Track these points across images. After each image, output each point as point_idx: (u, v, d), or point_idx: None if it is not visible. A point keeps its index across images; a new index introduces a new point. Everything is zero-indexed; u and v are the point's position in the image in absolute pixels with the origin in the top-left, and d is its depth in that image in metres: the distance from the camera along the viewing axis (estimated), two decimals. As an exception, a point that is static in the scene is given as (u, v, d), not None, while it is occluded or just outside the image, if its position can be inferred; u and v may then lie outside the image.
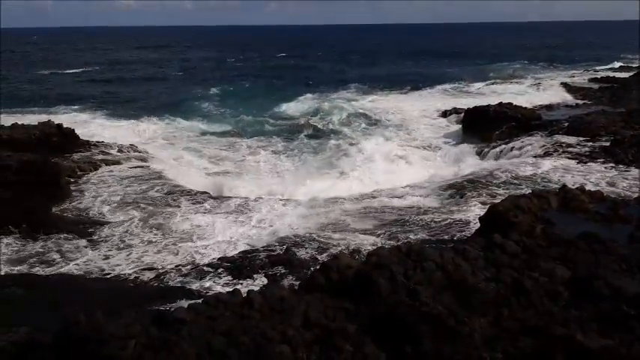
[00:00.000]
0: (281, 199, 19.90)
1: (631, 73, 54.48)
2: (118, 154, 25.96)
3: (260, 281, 13.10)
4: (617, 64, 69.13)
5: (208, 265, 14.29)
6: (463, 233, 15.32)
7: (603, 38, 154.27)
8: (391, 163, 25.22)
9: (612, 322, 7.67)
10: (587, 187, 14.44)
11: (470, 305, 8.34)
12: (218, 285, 13.13)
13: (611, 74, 54.06)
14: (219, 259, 14.67)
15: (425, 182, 22.14)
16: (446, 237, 15.41)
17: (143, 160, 25.39)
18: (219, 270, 13.86)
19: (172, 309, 9.76)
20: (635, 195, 16.13)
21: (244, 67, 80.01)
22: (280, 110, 42.50)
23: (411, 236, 15.67)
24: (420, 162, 26.90)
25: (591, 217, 12.08)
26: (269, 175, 23.48)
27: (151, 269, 14.33)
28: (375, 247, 13.07)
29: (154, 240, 16.23)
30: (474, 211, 16.98)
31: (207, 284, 13.20)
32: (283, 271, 13.60)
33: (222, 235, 16.48)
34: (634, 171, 20.91)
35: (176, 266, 14.44)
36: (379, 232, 16.38)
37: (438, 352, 7.26)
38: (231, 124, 37.45)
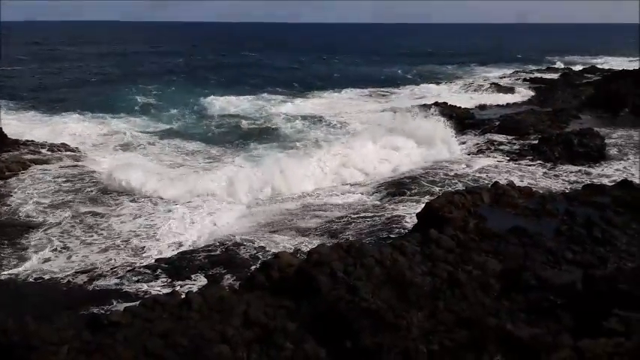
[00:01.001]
0: (222, 199, 19.61)
1: (557, 74, 57.42)
2: (49, 153, 24.78)
3: (199, 282, 12.89)
4: (544, 66, 72.59)
5: (145, 266, 13.91)
6: (401, 229, 15.65)
7: (533, 40, 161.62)
8: (339, 162, 25.36)
9: (540, 312, 8.08)
10: (517, 184, 15.07)
11: (407, 299, 8.56)
12: (156, 287, 12.81)
13: (539, 75, 56.71)
14: (156, 260, 14.31)
15: (365, 180, 22.44)
16: (385, 233, 15.68)
17: (76, 159, 24.38)
18: (157, 271, 13.52)
19: (108, 312, 9.47)
20: (562, 190, 17.03)
21: (186, 65, 78.19)
22: (215, 108, 41.79)
23: (351, 233, 15.85)
24: (364, 161, 27.19)
25: (521, 212, 12.64)
26: (208, 175, 23.06)
27: (85, 272, 13.80)
28: (316, 245, 13.18)
29: (88, 241, 15.65)
30: (411, 208, 17.38)
31: (145, 286, 12.85)
32: (223, 271, 13.43)
33: (160, 236, 16.09)
34: (560, 167, 22.09)
35: (112, 268, 13.98)
36: (320, 230, 16.48)
37: (377, 346, 7.40)
38: (169, 122, 36.56)
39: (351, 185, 21.65)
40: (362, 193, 20.28)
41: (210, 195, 19.61)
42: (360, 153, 24.73)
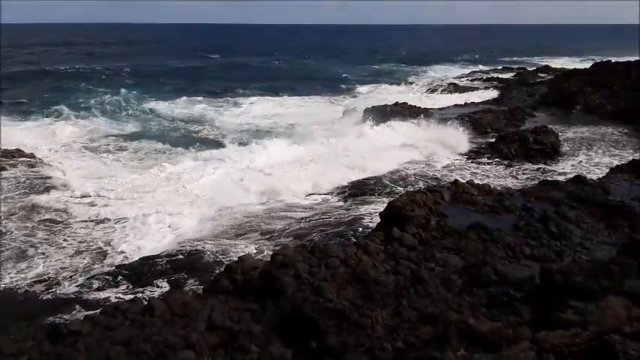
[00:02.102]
0: (183, 204, 19.31)
1: (512, 74, 58.96)
2: (2, 159, 23.92)
3: (162, 288, 12.68)
4: (500, 66, 74.39)
5: (106, 273, 13.59)
6: (365, 229, 15.77)
7: (489, 40, 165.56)
8: (300, 164, 25.33)
9: (500, 306, 8.28)
10: (475, 181, 15.40)
11: (372, 298, 8.64)
12: (117, 293, 12.54)
13: (496, 75, 58.11)
14: (117, 266, 14.01)
15: (329, 181, 22.46)
16: (349, 233, 15.77)
17: (31, 165, 23.59)
18: (118, 278, 13.24)
19: (67, 321, 9.22)
20: (518, 186, 17.49)
21: (141, 67, 76.76)
22: (169, 112, 41.27)
23: (316, 234, 15.87)
24: (326, 163, 27.28)
25: (480, 209, 12.92)
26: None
27: (42, 280, 13.38)
28: (280, 247, 13.14)
29: (45, 250, 15.17)
30: (375, 208, 17.53)
31: (105, 294, 12.57)
32: (186, 276, 13.25)
33: (120, 242, 15.74)
34: (517, 165, 22.69)
35: (71, 276, 13.61)
36: (285, 231, 16.45)
37: (342, 345, 7.44)
38: (120, 126, 35.85)
39: (315, 186, 21.65)
40: (326, 194, 20.33)
41: (171, 200, 19.28)
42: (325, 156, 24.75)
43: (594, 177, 16.03)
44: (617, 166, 17.29)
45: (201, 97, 48.03)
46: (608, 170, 17.35)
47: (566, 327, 6.68)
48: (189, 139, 32.88)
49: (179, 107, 43.13)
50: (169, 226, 17.03)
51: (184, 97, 47.17)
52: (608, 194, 13.44)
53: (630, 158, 18.77)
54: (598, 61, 47.71)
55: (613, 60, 46.24)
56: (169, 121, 38.38)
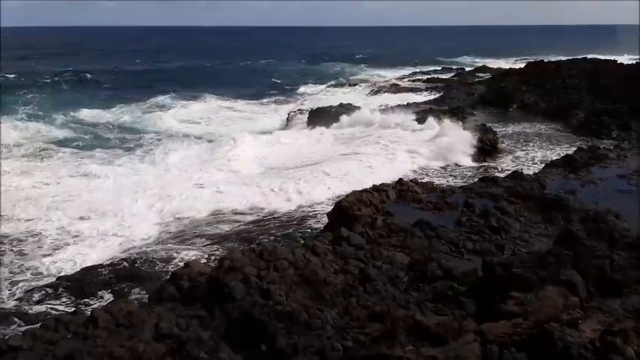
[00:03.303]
0: (125, 211, 18.75)
1: (452, 74, 60.70)
2: None
3: (105, 298, 12.28)
4: (440, 66, 76.39)
5: (46, 285, 13.04)
6: (313, 230, 15.83)
7: (429, 42, 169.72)
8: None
9: (446, 300, 8.49)
10: (419, 180, 15.74)
11: (321, 298, 8.67)
12: (58, 306, 12.06)
13: (436, 75, 59.63)
14: (57, 278, 13.45)
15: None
16: (298, 234, 15.79)
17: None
18: (59, 290, 12.71)
19: (6, 336, 8.78)
20: (460, 184, 18.01)
21: (76, 71, 74.03)
22: (99, 119, 40.08)
23: (264, 237, 15.78)
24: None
25: (424, 206, 13.22)
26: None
27: (-24, 296, 12.71)
28: (227, 251, 12.98)
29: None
30: (323, 208, 17.62)
31: (46, 307, 12.05)
32: (130, 285, 12.88)
33: (60, 253, 15.14)
34: (457, 162, 23.36)
35: (9, 289, 12.99)
36: (233, 235, 16.27)
37: (292, 347, 7.43)
38: (49, 132, 34.47)
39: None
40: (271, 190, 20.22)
41: (112, 207, 18.68)
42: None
43: (531, 172, 16.73)
44: (552, 161, 18.12)
45: (136, 103, 46.75)
46: (543, 165, 18.14)
47: (508, 317, 6.92)
48: (120, 144, 32.03)
49: (110, 113, 41.76)
50: (114, 234, 16.53)
51: (117, 103, 45.73)
52: (544, 188, 14.04)
53: (563, 153, 19.66)
54: (532, 60, 49.86)
55: (545, 60, 48.45)
56: (98, 127, 37.28)
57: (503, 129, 29.02)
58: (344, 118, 31.66)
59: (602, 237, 9.93)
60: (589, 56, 51.03)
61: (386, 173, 20.57)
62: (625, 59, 55.41)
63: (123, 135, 35.11)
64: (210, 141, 29.71)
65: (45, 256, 14.96)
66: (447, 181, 20.20)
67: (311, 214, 17.69)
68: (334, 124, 31.20)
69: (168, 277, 10.84)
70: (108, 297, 12.32)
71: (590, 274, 8.30)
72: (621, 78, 35.19)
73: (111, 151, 28.74)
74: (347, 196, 13.99)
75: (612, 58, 50.01)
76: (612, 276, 8.33)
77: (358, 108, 33.94)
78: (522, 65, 50.13)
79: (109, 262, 14.24)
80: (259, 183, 20.86)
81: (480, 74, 57.57)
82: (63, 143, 31.54)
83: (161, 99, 48.51)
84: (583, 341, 5.77)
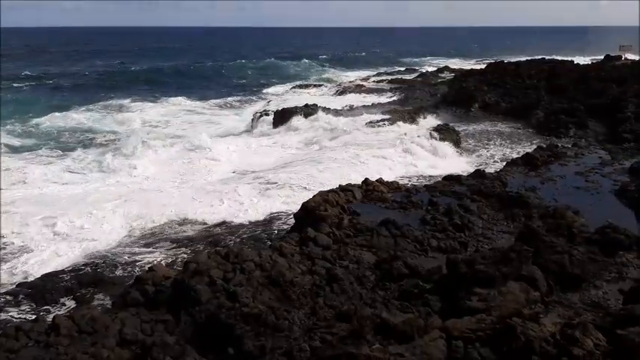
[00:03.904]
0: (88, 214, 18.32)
1: (415, 75, 61.49)
2: None
3: (68, 305, 11.97)
4: (404, 67, 77.28)
5: (5, 293, 12.61)
6: (280, 231, 15.77)
7: (393, 43, 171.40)
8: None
9: (411, 298, 8.60)
10: (385, 179, 15.87)
11: (289, 299, 8.66)
12: (19, 314, 11.68)
13: (400, 76, 60.29)
14: (17, 285, 13.03)
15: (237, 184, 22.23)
16: (264, 236, 15.71)
17: None
18: (19, 297, 12.31)
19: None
20: (425, 183, 18.24)
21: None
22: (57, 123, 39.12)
23: (231, 239, 15.63)
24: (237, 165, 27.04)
25: (390, 205, 13.36)
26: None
27: None
28: (193, 254, 12.84)
29: None
30: (290, 209, 17.57)
31: (6, 315, 11.66)
32: (93, 290, 12.60)
33: (20, 258, 14.67)
34: (422, 161, 23.67)
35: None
36: (197, 239, 16.06)
37: (260, 349, 7.40)
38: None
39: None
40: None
41: (73, 212, 18.23)
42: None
43: (492, 170, 17.08)
44: (513, 159, 18.55)
45: (95, 104, 45.70)
46: (504, 164, 18.54)
47: (472, 313, 7.06)
48: (80, 147, 31.20)
49: (68, 117, 40.66)
50: (76, 239, 16.10)
51: (75, 106, 44.61)
52: (506, 186, 14.38)
53: (524, 152, 20.14)
54: (492, 61, 50.92)
55: (505, 60, 49.56)
56: (56, 131, 36.33)
57: (466, 128, 29.51)
58: (310, 119, 31.72)
59: (561, 233, 10.25)
60: (547, 57, 52.52)
61: (354, 175, 20.64)
62: (588, 60, 57.02)
63: (82, 138, 34.34)
64: (171, 145, 29.29)
65: (4, 262, 14.48)
66: (412, 181, 20.41)
67: (277, 215, 17.62)
68: (299, 126, 31.25)
69: (132, 281, 10.64)
70: (70, 303, 12.01)
71: (551, 269, 8.56)
72: (576, 78, 36.32)
73: (71, 155, 27.95)
74: (313, 196, 14.00)
75: (569, 59, 51.62)
76: (571, 270, 8.60)
77: (324, 109, 34.04)
78: (483, 66, 51.17)
79: (70, 268, 13.88)
80: (225, 187, 20.67)
81: (443, 75, 58.51)
82: (18, 149, 30.61)
83: (121, 102, 47.49)
84: (544, 335, 5.93)
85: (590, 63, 52.20)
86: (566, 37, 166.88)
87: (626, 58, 40.84)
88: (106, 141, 33.08)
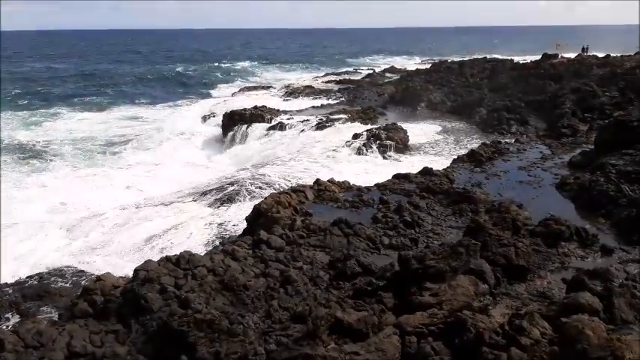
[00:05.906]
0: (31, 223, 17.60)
1: (363, 75, 62.13)
2: None
3: (11, 320, 11.44)
4: (352, 68, 77.97)
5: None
6: (232, 234, 15.61)
7: (343, 44, 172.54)
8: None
9: (365, 295, 8.67)
10: (336, 179, 15.96)
11: (243, 303, 8.59)
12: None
13: (347, 77, 60.77)
14: (-45, 302, 12.36)
15: (190, 188, 21.91)
16: (217, 240, 15.52)
17: None
18: (-42, 315, 11.71)
19: None
20: (375, 181, 18.46)
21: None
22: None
23: (182, 244, 15.35)
24: (187, 167, 26.66)
25: (341, 204, 13.46)
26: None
27: None
28: (142, 262, 12.50)
29: None
30: (242, 212, 17.40)
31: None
32: (39, 303, 12.10)
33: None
34: (371, 160, 23.97)
35: None
36: (147, 244, 15.72)
37: (215, 355, 7.30)
38: None
39: (177, 193, 20.99)
40: (191, 201, 19.76)
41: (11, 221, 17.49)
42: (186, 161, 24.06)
43: (440, 167, 17.47)
44: (458, 156, 19.04)
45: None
46: (451, 161, 19.00)
47: (425, 308, 7.21)
48: (12, 157, 30.08)
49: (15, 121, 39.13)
50: (16, 251, 15.44)
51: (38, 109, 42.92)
52: (453, 182, 14.75)
53: (469, 148, 20.70)
54: (437, 61, 52.09)
55: (449, 60, 50.79)
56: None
57: (413, 126, 30.04)
58: (261, 123, 31.69)
59: (506, 226, 10.58)
60: (489, 56, 54.11)
61: (307, 178, 20.67)
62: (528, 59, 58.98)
63: (15, 147, 32.96)
64: (115, 153, 28.60)
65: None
66: (363, 179, 20.60)
67: (229, 218, 17.43)
68: (249, 130, 31.13)
69: (79, 292, 10.29)
70: (15, 318, 11.50)
71: (498, 261, 8.82)
72: (516, 76, 37.63)
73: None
74: (265, 198, 13.94)
75: (510, 57, 53.40)
76: (517, 262, 8.89)
77: (274, 110, 33.94)
78: (428, 66, 52.29)
79: (13, 281, 13.29)
80: (173, 197, 20.38)
81: (389, 75, 59.35)
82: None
83: (54, 109, 45.89)
84: (493, 326, 6.12)
85: (529, 62, 54.18)
86: (508, 37, 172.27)
87: (562, 56, 42.58)
88: (43, 148, 31.83)
